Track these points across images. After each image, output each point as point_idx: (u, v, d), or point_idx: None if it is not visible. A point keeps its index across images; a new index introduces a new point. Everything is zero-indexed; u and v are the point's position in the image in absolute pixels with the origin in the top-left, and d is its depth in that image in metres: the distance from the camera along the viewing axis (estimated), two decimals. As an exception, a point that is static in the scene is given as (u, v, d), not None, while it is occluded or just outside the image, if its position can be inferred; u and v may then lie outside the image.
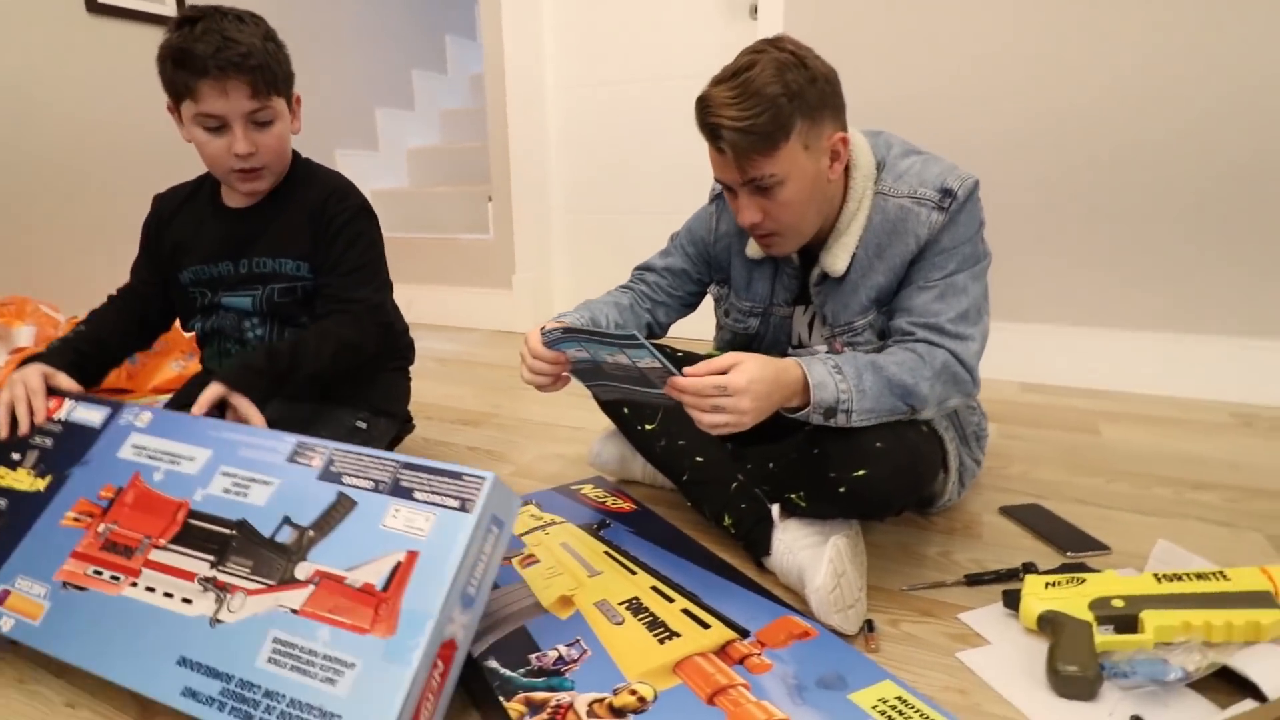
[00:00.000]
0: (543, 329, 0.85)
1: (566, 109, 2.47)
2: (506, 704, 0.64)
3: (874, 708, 0.65)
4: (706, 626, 0.76)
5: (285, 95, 1.02)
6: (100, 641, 0.76)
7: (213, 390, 0.90)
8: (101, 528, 0.82)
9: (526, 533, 0.98)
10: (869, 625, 0.83)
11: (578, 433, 1.53)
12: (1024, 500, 1.16)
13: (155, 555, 0.78)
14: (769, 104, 0.81)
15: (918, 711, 0.64)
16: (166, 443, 0.84)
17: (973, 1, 1.74)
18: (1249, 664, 0.69)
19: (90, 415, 0.91)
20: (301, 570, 0.70)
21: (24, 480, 0.90)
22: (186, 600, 0.74)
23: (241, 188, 1.04)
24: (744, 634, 0.75)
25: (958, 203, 0.90)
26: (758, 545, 0.95)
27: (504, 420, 1.63)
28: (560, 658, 0.71)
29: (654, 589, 0.83)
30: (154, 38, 2.17)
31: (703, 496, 1.04)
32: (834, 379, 0.83)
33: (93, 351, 1.04)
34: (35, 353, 1.01)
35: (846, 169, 0.94)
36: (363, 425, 1.13)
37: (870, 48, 1.85)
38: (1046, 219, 1.76)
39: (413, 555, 0.66)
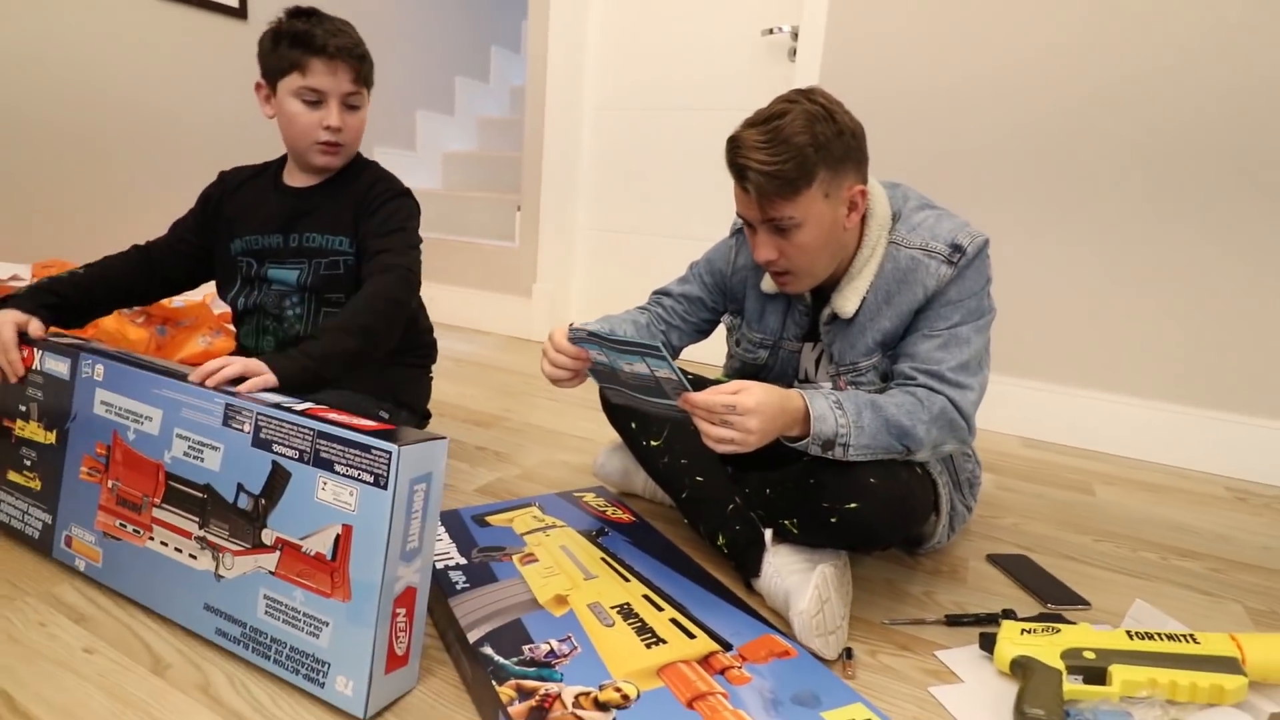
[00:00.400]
0: (570, 326, 0.90)
1: (602, 128, 2.54)
2: (498, 688, 0.68)
3: None
4: (692, 636, 0.79)
5: (369, 91, 1.15)
6: (147, 585, 0.85)
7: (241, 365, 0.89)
8: (110, 484, 0.89)
9: (528, 532, 1.02)
10: (848, 653, 0.86)
11: (584, 443, 1.57)
12: (1012, 550, 1.19)
13: (157, 513, 0.84)
14: (796, 153, 0.86)
15: None
16: (125, 400, 0.88)
17: (1011, 66, 1.79)
18: (1207, 723, 0.72)
19: (57, 366, 0.95)
20: (266, 536, 0.76)
21: (39, 433, 0.96)
22: (193, 556, 0.82)
23: (319, 160, 1.13)
24: (727, 647, 0.78)
25: (966, 258, 0.94)
26: (748, 567, 0.98)
27: (513, 424, 1.68)
28: (551, 651, 0.75)
29: (645, 597, 0.87)
30: (211, 23, 2.25)
31: (700, 515, 1.07)
32: (834, 413, 0.87)
33: (76, 297, 1.07)
34: (10, 292, 1.04)
35: (863, 217, 0.98)
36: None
37: (903, 100, 1.91)
38: (1061, 281, 1.80)
39: (348, 528, 0.71)
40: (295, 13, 1.10)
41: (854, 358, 1.02)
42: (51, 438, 0.95)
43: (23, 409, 0.98)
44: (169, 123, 2.30)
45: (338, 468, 0.72)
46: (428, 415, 1.37)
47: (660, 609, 0.84)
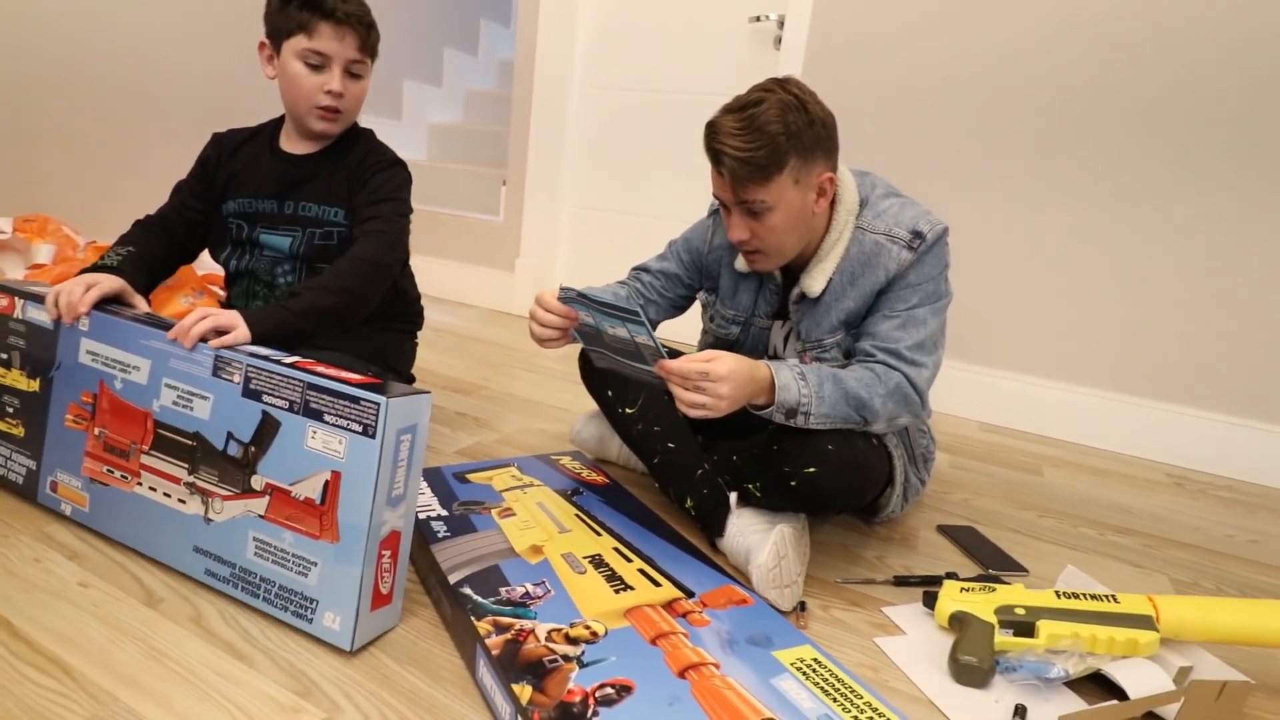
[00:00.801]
0: (560, 286, 0.95)
1: (589, 107, 2.56)
2: (477, 623, 0.73)
3: (792, 664, 0.74)
4: (658, 585, 0.85)
5: (373, 61, 1.17)
6: (135, 528, 0.89)
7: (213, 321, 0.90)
8: (97, 431, 0.92)
9: (506, 489, 1.07)
10: (802, 605, 0.93)
11: (561, 412, 1.62)
12: (961, 522, 1.27)
13: (145, 460, 0.88)
14: (769, 140, 0.91)
15: (830, 672, 0.74)
16: (113, 350, 0.91)
17: (994, 56, 1.85)
18: (1119, 670, 0.80)
19: (40, 315, 0.97)
20: (256, 482, 0.81)
21: (21, 381, 0.99)
22: (181, 501, 0.86)
23: (317, 126, 1.14)
24: (689, 594, 0.84)
25: (926, 244, 1.00)
26: (714, 527, 1.05)
27: (493, 393, 1.72)
28: (527, 593, 0.80)
29: (615, 549, 0.93)
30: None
31: (670, 479, 1.13)
32: (798, 384, 0.93)
33: (147, 273, 1.12)
34: (104, 258, 1.07)
35: (832, 203, 1.04)
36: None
37: (884, 89, 1.97)
38: (1021, 272, 1.88)
39: (337, 475, 0.76)
40: None
41: (819, 335, 1.08)
42: (35, 385, 0.97)
43: (4, 357, 1.00)
44: (160, 74, 2.28)
45: (327, 417, 0.76)
46: (412, 380, 1.41)
47: (629, 560, 0.90)
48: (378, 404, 0.74)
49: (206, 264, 1.48)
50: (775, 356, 1.17)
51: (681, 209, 2.36)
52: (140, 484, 0.89)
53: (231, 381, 0.83)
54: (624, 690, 0.66)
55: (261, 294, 1.19)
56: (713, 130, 0.95)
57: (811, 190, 0.98)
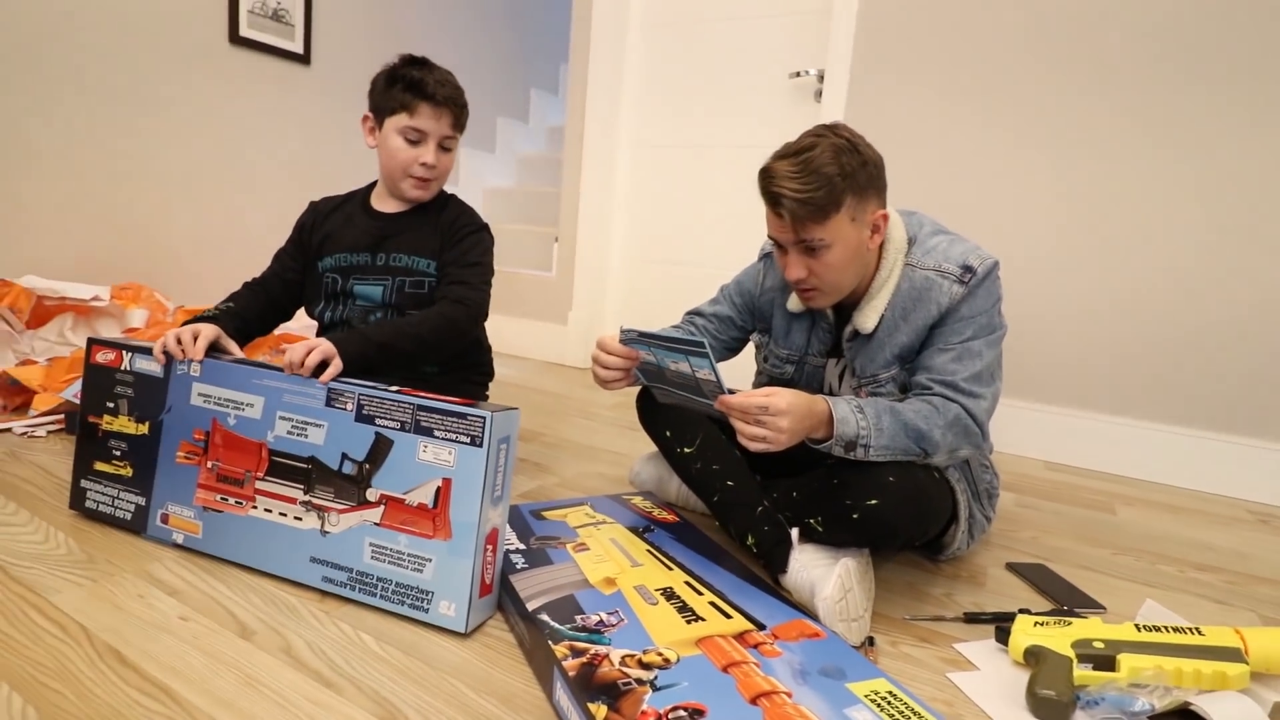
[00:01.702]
0: (621, 328, 1.01)
1: (635, 165, 2.67)
2: (554, 647, 0.76)
3: (867, 696, 0.74)
4: (729, 616, 0.86)
5: (460, 135, 1.29)
6: (250, 548, 0.98)
7: (320, 352, 1.00)
8: (210, 464, 1.01)
9: (580, 526, 1.11)
10: (870, 640, 0.93)
11: (617, 456, 1.65)
12: (1030, 560, 1.24)
13: (260, 485, 0.97)
14: (826, 181, 0.96)
15: (906, 705, 0.74)
16: (225, 391, 1.01)
17: (1021, 108, 1.88)
18: (1209, 703, 0.77)
19: (150, 366, 1.07)
20: (370, 494, 0.91)
21: (129, 426, 1.08)
22: (298, 519, 0.95)
23: (411, 193, 1.27)
24: (760, 627, 0.85)
25: (977, 278, 1.02)
26: (776, 564, 1.05)
27: (550, 439, 1.77)
28: (601, 621, 0.82)
29: (687, 583, 0.94)
30: (282, 69, 2.44)
31: (730, 517, 1.14)
32: (856, 416, 0.95)
33: (242, 326, 1.23)
34: (202, 312, 1.19)
35: (882, 242, 1.07)
36: None
37: (917, 140, 2.01)
38: (1085, 308, 1.86)
39: (448, 481, 0.88)
40: (410, 60, 1.25)
41: (874, 370, 1.10)
42: (143, 429, 1.06)
43: (110, 405, 1.09)
44: (235, 158, 2.48)
45: (437, 433, 0.89)
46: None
47: (700, 593, 0.92)
48: (484, 418, 0.87)
49: (287, 325, 1.59)
50: (831, 394, 1.19)
51: (727, 259, 2.42)
52: (255, 507, 0.98)
53: (345, 410, 0.94)
54: (697, 714, 0.67)
55: None
56: (769, 175, 0.99)
57: (866, 227, 1.02)
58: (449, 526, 0.87)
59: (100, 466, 1.09)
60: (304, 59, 2.58)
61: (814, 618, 0.90)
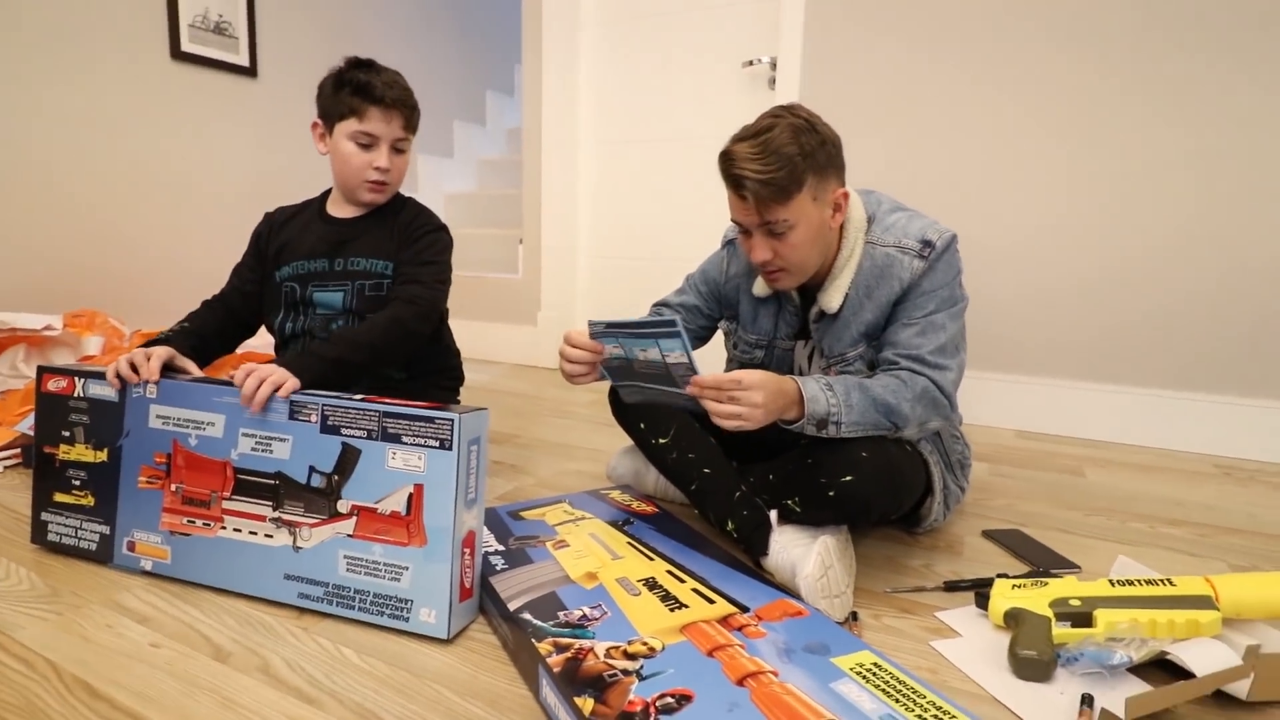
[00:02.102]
0: (589, 321, 1.00)
1: (596, 162, 2.66)
2: (538, 644, 0.75)
3: (852, 669, 0.74)
4: (712, 602, 0.86)
5: (413, 136, 1.28)
6: (221, 569, 0.96)
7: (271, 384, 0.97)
8: (174, 487, 0.98)
9: (559, 523, 1.11)
10: (853, 615, 0.93)
11: (594, 453, 1.64)
12: (1005, 527, 1.26)
13: (227, 504, 0.95)
14: (787, 161, 0.96)
15: (892, 675, 0.74)
16: (184, 411, 0.99)
17: (971, 86, 1.91)
18: (1184, 651, 0.79)
19: (104, 391, 1.04)
20: (342, 506, 0.89)
21: (87, 454, 1.05)
22: (269, 536, 0.93)
23: (366, 197, 1.25)
24: (744, 609, 0.85)
25: (936, 252, 1.03)
26: (756, 547, 1.05)
27: (525, 440, 1.75)
28: (584, 616, 0.82)
29: (669, 572, 0.94)
30: (228, 83, 2.41)
31: (708, 504, 1.14)
32: (825, 394, 0.95)
33: (199, 344, 1.20)
34: (157, 335, 1.17)
35: (843, 221, 1.08)
36: None
37: (872, 120, 2.03)
38: (1047, 278, 1.90)
39: (419, 487, 0.87)
40: (355, 63, 1.22)
41: (841, 349, 1.10)
42: (102, 455, 1.03)
43: (66, 434, 1.06)
44: (183, 176, 2.42)
45: (405, 439, 0.87)
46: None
47: (682, 581, 0.92)
48: (451, 420, 0.85)
49: (250, 342, 1.55)
50: (801, 375, 1.20)
51: (693, 250, 2.42)
52: (224, 528, 0.95)
53: (309, 422, 0.92)
54: (684, 699, 0.67)
55: None
56: (730, 158, 0.99)
57: (828, 206, 1.02)
58: (424, 533, 0.86)
59: (60, 498, 1.05)
60: (250, 71, 2.53)
61: (797, 597, 0.91)
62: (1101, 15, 1.76)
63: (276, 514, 0.93)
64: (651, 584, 0.90)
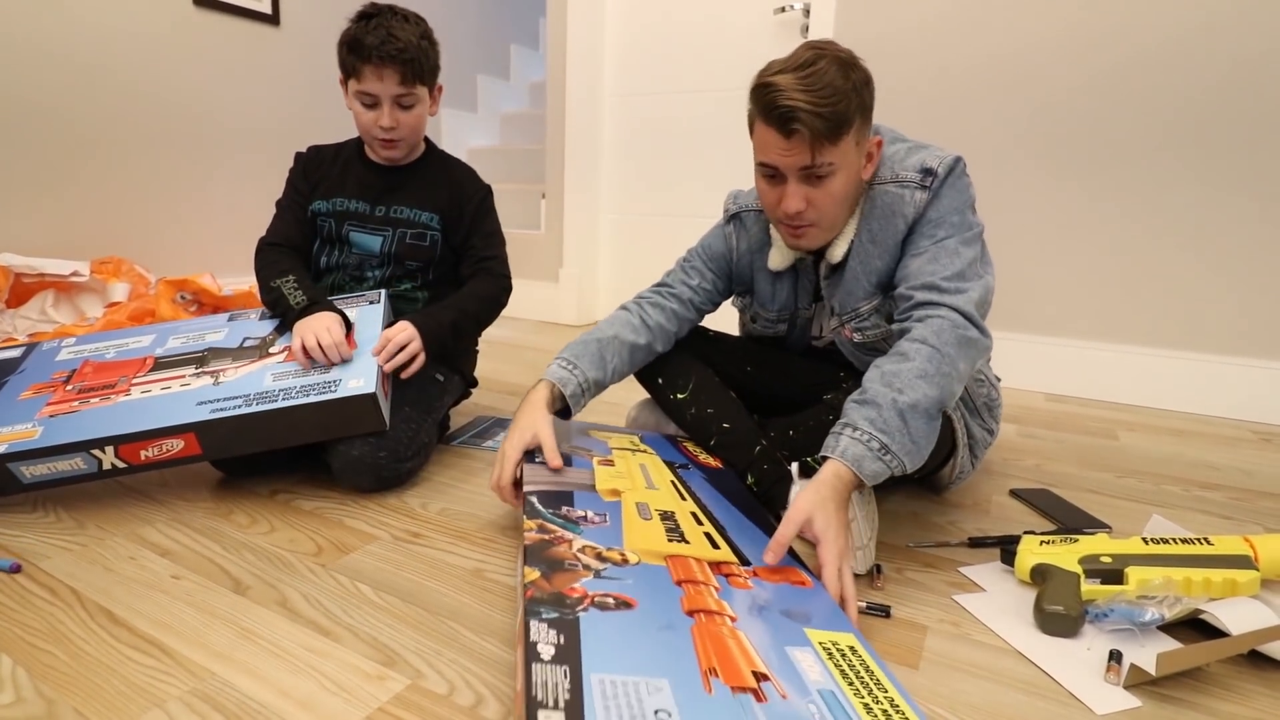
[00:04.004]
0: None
1: (620, 115, 2.60)
2: (527, 521, 0.77)
3: (821, 643, 0.66)
4: (716, 547, 0.82)
5: (429, 85, 1.22)
6: (111, 421, 0.97)
7: (407, 334, 1.13)
8: (70, 386, 1.02)
9: (619, 448, 1.09)
10: (877, 568, 0.91)
11: (612, 406, 1.63)
12: (1034, 486, 1.23)
13: (137, 381, 1.01)
14: (841, 95, 0.88)
15: (862, 662, 0.64)
16: (106, 339, 1.07)
17: (1024, 41, 1.82)
18: (1220, 609, 0.76)
19: (10, 353, 1.08)
20: (274, 350, 1.04)
21: None
22: (185, 385, 1.00)
23: (381, 153, 1.24)
24: (745, 563, 0.80)
25: (939, 179, 0.96)
26: (776, 501, 1.03)
27: (547, 394, 1.74)
28: (584, 517, 0.81)
29: (692, 513, 0.90)
30: (250, 30, 2.38)
31: (728, 458, 1.12)
32: (881, 461, 0.84)
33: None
34: (296, 297, 1.13)
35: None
36: (440, 378, 1.28)
37: (915, 74, 1.95)
38: (1082, 239, 1.83)
39: (351, 325, 1.09)
40: (361, 14, 1.16)
41: (853, 304, 1.05)
42: None
43: None
44: (207, 124, 2.41)
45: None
46: (475, 382, 1.45)
47: (700, 523, 0.87)
48: (380, 292, 1.19)
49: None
50: (819, 336, 1.16)
51: (717, 206, 2.37)
52: (129, 395, 0.99)
53: (249, 318, 1.06)
54: (623, 604, 0.64)
55: (349, 288, 1.28)
56: (777, 89, 0.88)
57: (863, 155, 0.97)
58: (352, 338, 1.03)
59: None
60: (273, 19, 2.49)
61: (816, 574, 0.82)
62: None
63: (198, 369, 0.99)
64: (667, 515, 0.87)
